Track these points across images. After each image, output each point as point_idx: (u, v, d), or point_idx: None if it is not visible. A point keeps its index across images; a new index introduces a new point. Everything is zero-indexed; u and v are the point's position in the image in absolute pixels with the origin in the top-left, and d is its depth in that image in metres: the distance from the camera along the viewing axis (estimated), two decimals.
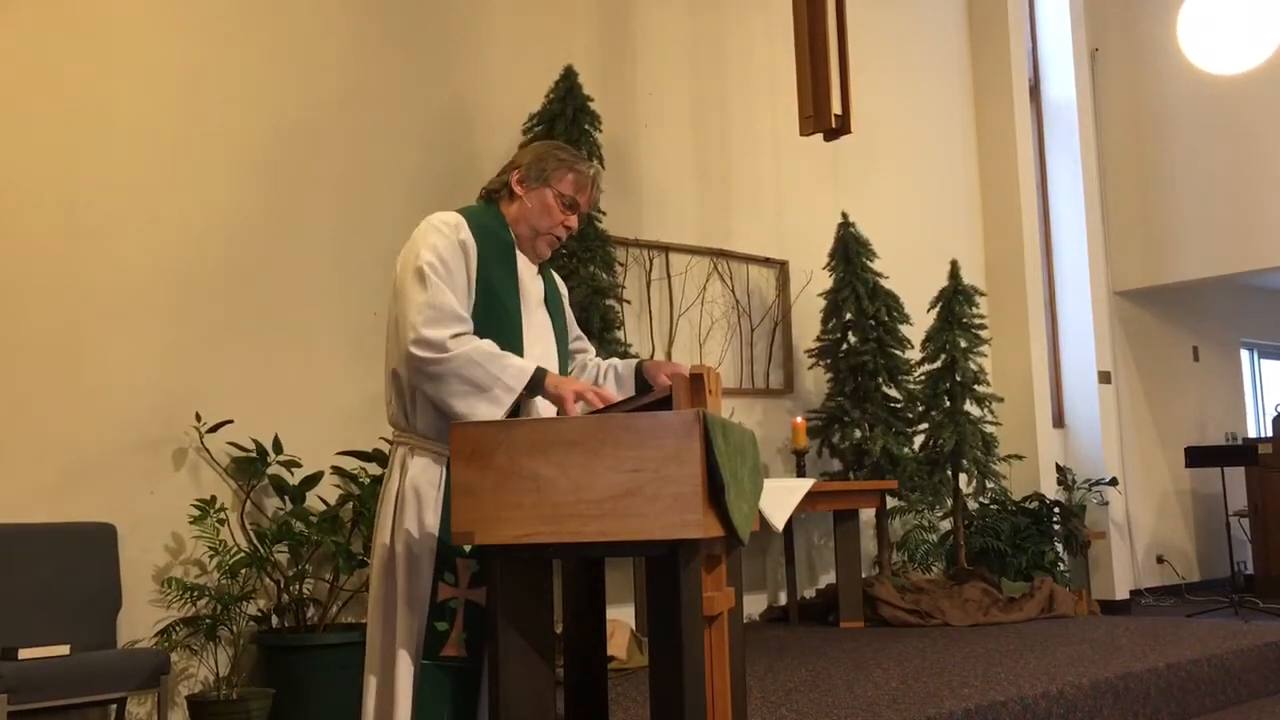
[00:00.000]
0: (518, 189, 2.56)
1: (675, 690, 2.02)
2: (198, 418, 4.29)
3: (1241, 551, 8.51)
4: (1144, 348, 8.90)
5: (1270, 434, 9.12)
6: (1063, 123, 8.22)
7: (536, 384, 2.32)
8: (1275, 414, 9.31)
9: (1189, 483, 9.01)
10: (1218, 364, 9.71)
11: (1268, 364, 10.80)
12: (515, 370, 2.31)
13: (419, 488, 2.36)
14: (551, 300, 2.64)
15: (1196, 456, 7.71)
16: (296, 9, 4.86)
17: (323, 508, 4.42)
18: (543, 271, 2.65)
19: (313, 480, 4.37)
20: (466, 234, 2.43)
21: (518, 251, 2.55)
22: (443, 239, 2.40)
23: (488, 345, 2.33)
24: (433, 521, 2.33)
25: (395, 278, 2.43)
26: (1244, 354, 10.27)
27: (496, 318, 2.42)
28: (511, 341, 2.42)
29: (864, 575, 6.00)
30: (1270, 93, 7.80)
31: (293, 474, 4.37)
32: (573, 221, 2.61)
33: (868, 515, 6.30)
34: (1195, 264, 8.36)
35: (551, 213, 2.56)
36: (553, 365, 2.54)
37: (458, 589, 2.30)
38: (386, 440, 2.51)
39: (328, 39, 4.94)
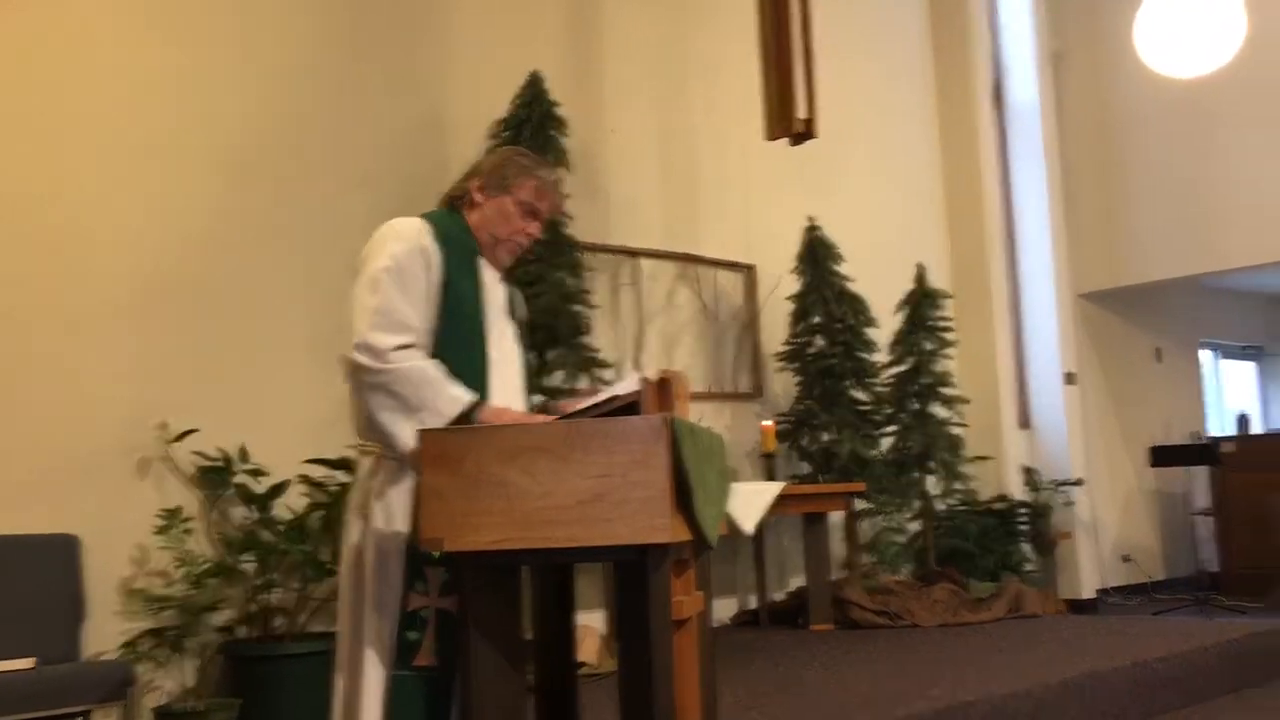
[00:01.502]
0: (478, 196, 2.54)
1: (645, 695, 2.02)
2: (163, 427, 4.25)
3: (1205, 550, 8.62)
4: (1107, 349, 9.00)
5: (1233, 433, 9.25)
6: (1026, 126, 8.30)
7: (467, 416, 2.28)
8: (1237, 414, 9.45)
9: (1153, 482, 9.11)
10: (1180, 364, 9.83)
11: (1228, 364, 10.95)
12: (449, 399, 2.28)
13: (388, 496, 2.34)
14: (513, 310, 2.63)
15: (1160, 456, 7.80)
16: (261, 13, 4.82)
17: (290, 516, 4.38)
18: (504, 281, 2.63)
19: (280, 489, 4.34)
20: (429, 240, 2.41)
21: (481, 259, 2.53)
22: (402, 245, 2.38)
23: (430, 367, 2.30)
24: (403, 530, 2.31)
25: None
26: (1205, 354, 10.41)
27: (460, 324, 2.40)
28: (475, 347, 2.41)
29: (833, 578, 6.03)
30: (1229, 96, 7.91)
31: (259, 483, 4.34)
32: (534, 229, 2.59)
33: (837, 518, 6.32)
34: (1156, 266, 8.47)
35: (512, 220, 2.54)
36: (515, 371, 2.54)
37: (429, 597, 2.29)
38: (354, 448, 2.49)
39: (294, 43, 4.91)
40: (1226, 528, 8.50)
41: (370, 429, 2.32)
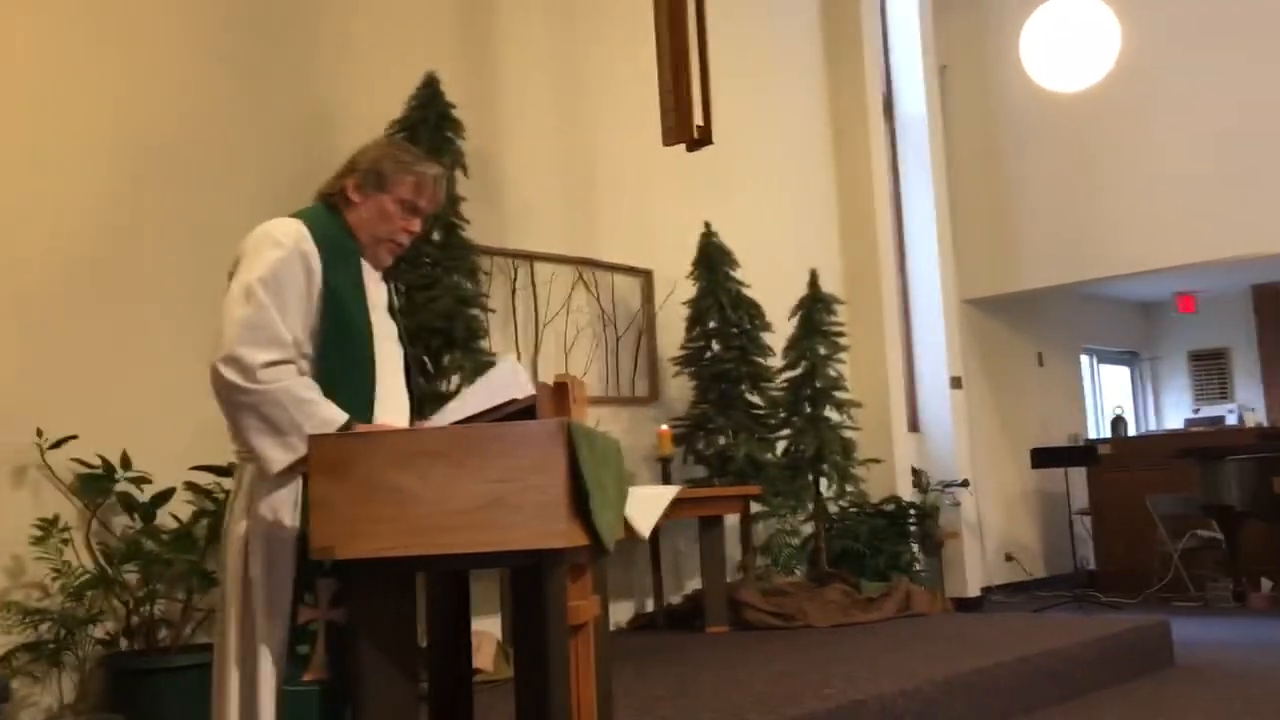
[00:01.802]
0: (354, 196, 2.44)
1: (541, 701, 2.02)
2: (39, 433, 4.09)
3: (1084, 548, 8.93)
4: (992, 354, 9.27)
5: (1109, 435, 9.60)
6: (915, 136, 8.51)
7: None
8: (1113, 416, 9.81)
9: (1035, 483, 9.41)
10: (1060, 369, 10.19)
11: (1106, 369, 11.37)
12: (321, 422, 2.20)
13: (274, 508, 2.26)
14: (393, 307, 2.57)
15: (1041, 458, 8.07)
16: (151, 4, 4.68)
17: (175, 525, 4.26)
18: (385, 278, 2.57)
19: (164, 497, 4.21)
20: (309, 244, 2.32)
21: (362, 259, 2.45)
22: (279, 252, 2.28)
23: (301, 387, 2.23)
24: (290, 541, 2.24)
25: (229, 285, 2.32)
26: (1084, 359, 10.79)
27: (343, 330, 2.33)
28: (361, 350, 2.35)
29: (729, 580, 6.08)
30: (1105, 110, 8.23)
31: (143, 490, 4.20)
32: (415, 226, 2.50)
33: (732, 521, 6.38)
34: (1038, 274, 8.76)
35: (392, 220, 2.45)
36: (399, 370, 2.49)
37: (318, 610, 2.23)
38: (237, 455, 2.39)
39: (181, 39, 4.78)
40: (1104, 526, 8.83)
41: (236, 440, 2.26)
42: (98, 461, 4.14)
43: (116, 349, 4.41)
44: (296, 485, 2.24)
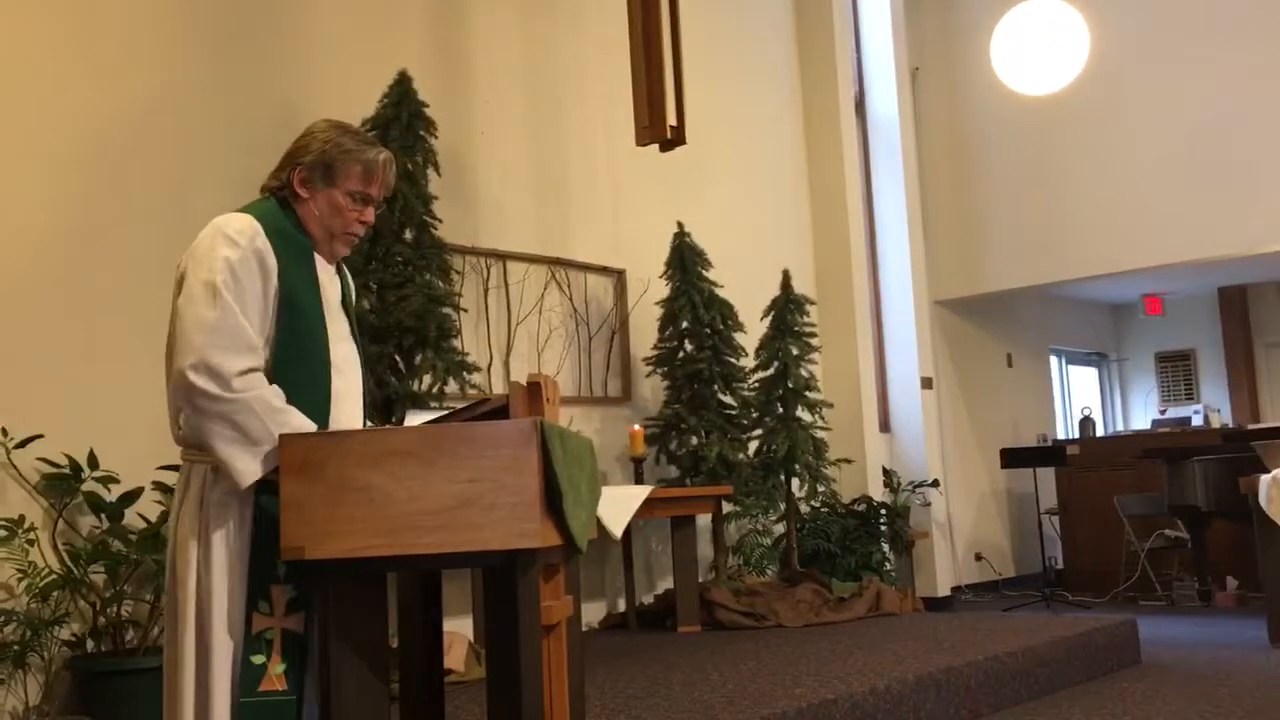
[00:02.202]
0: (302, 191, 2.36)
1: (513, 701, 2.01)
2: (4, 432, 4.04)
3: (1052, 547, 9.01)
4: (962, 354, 9.33)
5: (1077, 436, 9.68)
6: (886, 138, 8.55)
7: None
8: (1081, 416, 9.90)
9: (1004, 483, 9.48)
10: (1029, 370, 10.26)
11: (1074, 369, 11.47)
12: (293, 430, 2.15)
13: (227, 514, 2.19)
14: (346, 300, 2.49)
15: (1011, 458, 8.13)
16: (114, 4, 4.63)
17: (143, 525, 4.22)
18: (339, 270, 2.50)
19: (132, 497, 4.17)
20: (263, 241, 2.24)
21: (315, 254, 2.38)
22: (236, 251, 2.21)
23: (274, 395, 2.18)
24: (245, 548, 2.18)
25: (179, 285, 2.24)
26: (1053, 360, 10.88)
27: (299, 331, 2.26)
28: (315, 352, 2.29)
29: (700, 580, 6.09)
30: (1074, 114, 8.30)
31: (110, 490, 4.16)
32: (368, 216, 2.41)
33: (704, 520, 6.39)
34: (1008, 275, 8.82)
35: (344, 213, 2.37)
36: (355, 369, 2.43)
37: (273, 618, 2.16)
38: (187, 458, 2.30)
39: (148, 39, 4.74)
40: (1072, 526, 8.91)
41: (201, 446, 2.18)
42: (64, 461, 4.10)
43: (83, 347, 4.36)
44: (250, 490, 2.18)
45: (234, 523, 2.19)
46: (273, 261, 2.25)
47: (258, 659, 2.15)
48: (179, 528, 2.24)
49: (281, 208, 2.37)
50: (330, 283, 2.41)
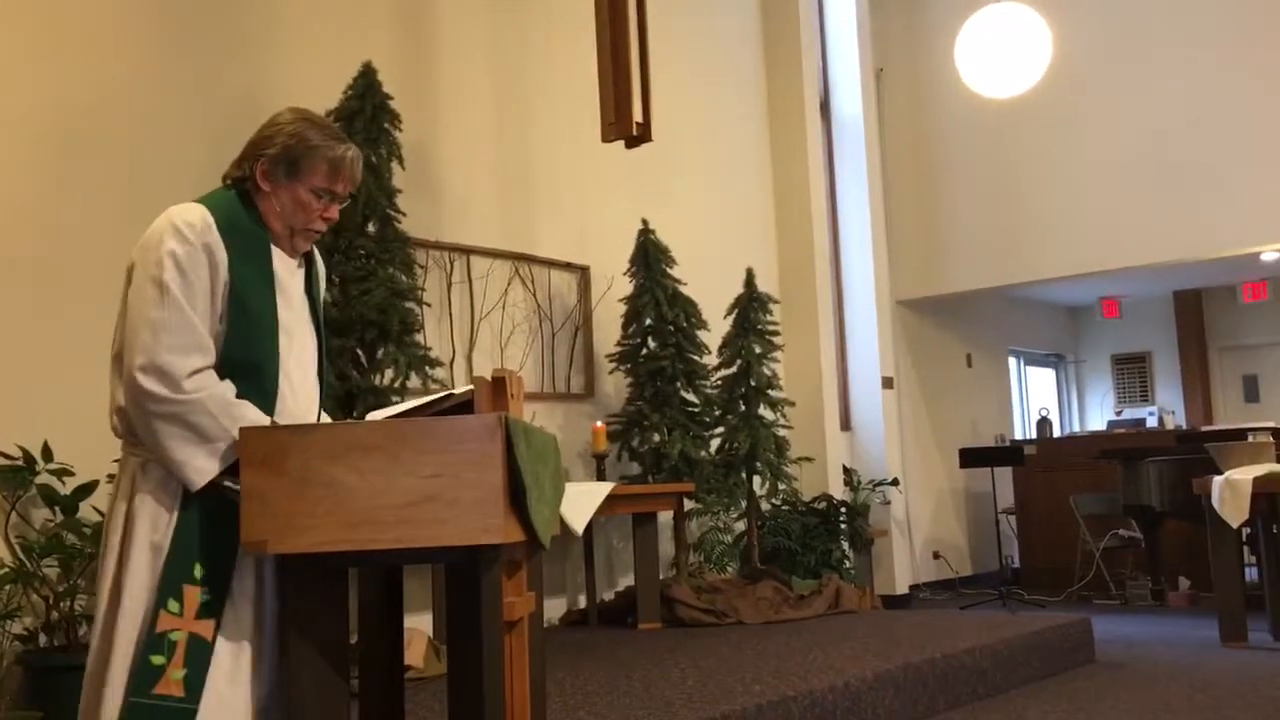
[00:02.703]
0: (265, 185, 2.28)
1: (474, 697, 2.00)
2: None
3: (1009, 546, 9.11)
4: (923, 354, 9.40)
5: (1035, 436, 9.79)
6: (850, 138, 8.60)
7: None
8: (1039, 417, 10.01)
9: (962, 482, 9.57)
10: (988, 370, 10.36)
11: (1032, 370, 11.60)
12: (248, 425, 2.10)
13: (150, 505, 2.13)
14: (313, 291, 2.43)
15: (969, 457, 8.20)
16: None
17: (97, 519, 4.16)
18: (309, 259, 2.44)
19: (86, 490, 4.11)
20: (214, 236, 2.18)
21: (274, 247, 2.31)
22: (184, 245, 2.15)
23: (223, 391, 2.14)
24: (161, 542, 2.11)
25: (129, 277, 2.19)
26: (1012, 361, 10.99)
27: (248, 324, 2.20)
28: (264, 347, 2.23)
29: (661, 577, 6.10)
30: (1034, 118, 8.39)
31: (64, 483, 4.10)
32: (333, 213, 2.35)
33: (666, 518, 6.40)
34: (968, 276, 8.91)
35: (308, 209, 2.30)
36: (311, 363, 2.38)
37: (182, 619, 2.07)
38: (128, 450, 2.26)
39: (109, 30, 4.67)
40: (1028, 525, 9.01)
41: (150, 449, 2.13)
42: (17, 453, 4.04)
43: (37, 338, 4.29)
44: (176, 486, 2.13)
45: (157, 518, 2.13)
46: (222, 255, 2.18)
47: (157, 659, 2.05)
48: (108, 519, 2.20)
49: (241, 199, 2.30)
50: (290, 275, 2.35)
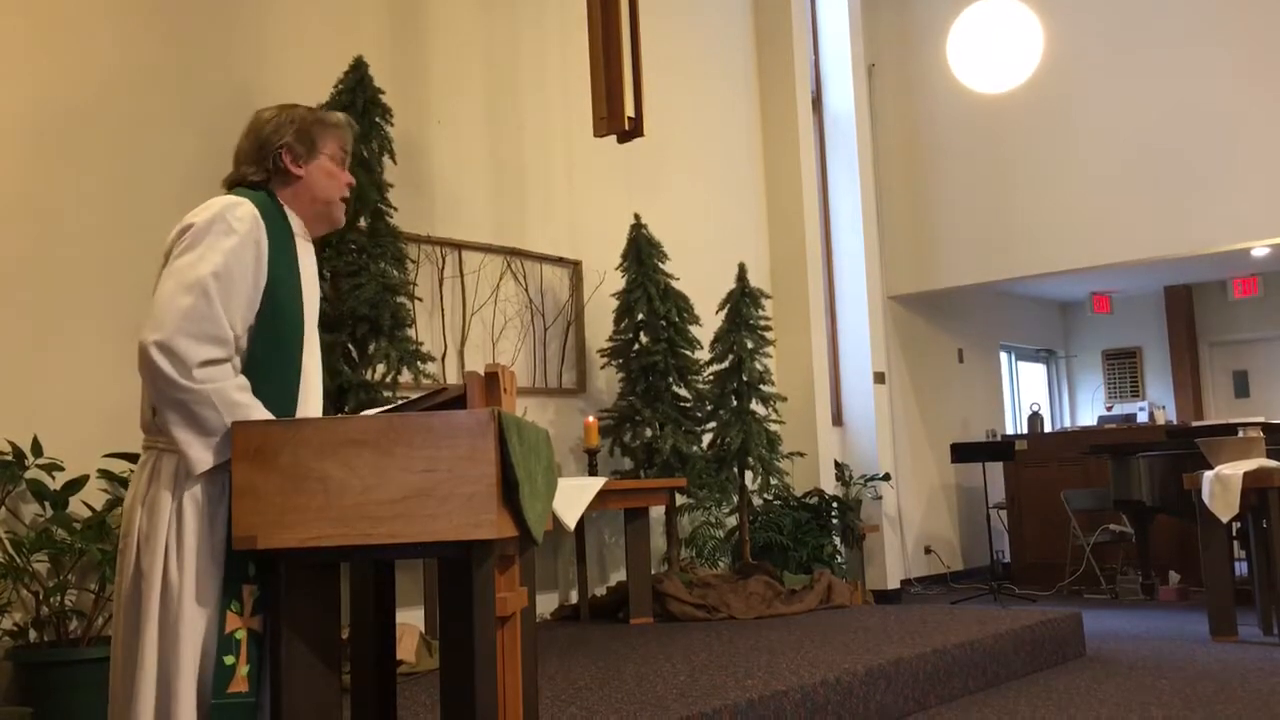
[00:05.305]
0: (295, 169, 2.36)
1: (466, 692, 2.00)
2: None
3: (1000, 541, 9.12)
4: (914, 350, 9.41)
5: (1026, 431, 9.81)
6: (842, 134, 8.60)
7: None
8: (1030, 412, 10.03)
9: (954, 477, 9.58)
10: (980, 365, 10.38)
11: (1023, 366, 11.62)
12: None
13: (202, 506, 2.12)
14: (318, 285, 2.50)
15: (960, 453, 8.21)
16: None
17: (88, 514, 4.15)
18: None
19: (77, 484, 4.10)
20: (262, 231, 2.24)
21: (296, 245, 2.37)
22: (234, 240, 2.19)
23: (235, 389, 2.14)
24: (218, 546, 2.11)
25: (167, 256, 2.21)
26: (1003, 356, 11.01)
27: (279, 320, 2.25)
28: (291, 343, 2.28)
29: (653, 572, 6.10)
30: (1025, 113, 8.40)
31: (54, 478, 4.09)
32: (349, 177, 2.48)
33: (657, 513, 6.40)
34: (960, 272, 8.92)
35: (336, 176, 2.42)
36: (319, 359, 2.42)
37: (243, 618, 2.11)
38: (152, 444, 2.24)
39: (99, 25, 4.64)
40: (1019, 521, 9.02)
41: (160, 425, 2.14)
42: (7, 448, 4.02)
43: (28, 333, 4.28)
44: (225, 485, 2.12)
45: (210, 518, 2.13)
46: (265, 250, 2.24)
47: (229, 660, 2.09)
48: (145, 519, 2.16)
49: (269, 197, 2.36)
50: (310, 272, 2.41)
